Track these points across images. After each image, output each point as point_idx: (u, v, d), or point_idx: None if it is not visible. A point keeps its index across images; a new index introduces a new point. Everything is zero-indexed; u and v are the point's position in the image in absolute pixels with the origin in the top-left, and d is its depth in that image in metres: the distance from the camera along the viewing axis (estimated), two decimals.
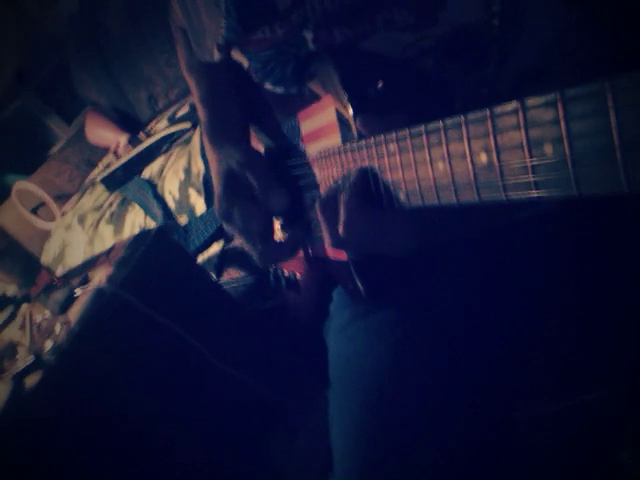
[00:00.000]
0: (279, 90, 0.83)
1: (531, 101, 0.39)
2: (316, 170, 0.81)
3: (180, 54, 1.01)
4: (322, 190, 0.79)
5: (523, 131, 0.40)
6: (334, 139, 0.72)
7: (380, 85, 0.67)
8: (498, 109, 0.42)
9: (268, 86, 0.84)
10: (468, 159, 0.46)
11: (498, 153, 0.43)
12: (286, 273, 1.00)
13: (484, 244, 0.78)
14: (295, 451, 1.62)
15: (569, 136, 0.36)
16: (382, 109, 0.66)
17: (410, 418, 0.72)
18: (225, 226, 0.91)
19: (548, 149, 0.38)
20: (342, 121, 0.70)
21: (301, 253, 0.94)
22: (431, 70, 0.70)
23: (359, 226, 0.64)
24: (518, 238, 0.78)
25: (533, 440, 0.75)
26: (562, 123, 0.36)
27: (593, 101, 0.34)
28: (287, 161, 0.89)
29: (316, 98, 0.76)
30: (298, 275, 0.96)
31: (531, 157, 0.40)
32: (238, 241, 0.95)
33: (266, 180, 0.86)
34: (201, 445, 1.46)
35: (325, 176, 0.77)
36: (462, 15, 0.66)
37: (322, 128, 0.76)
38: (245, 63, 0.85)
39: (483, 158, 0.45)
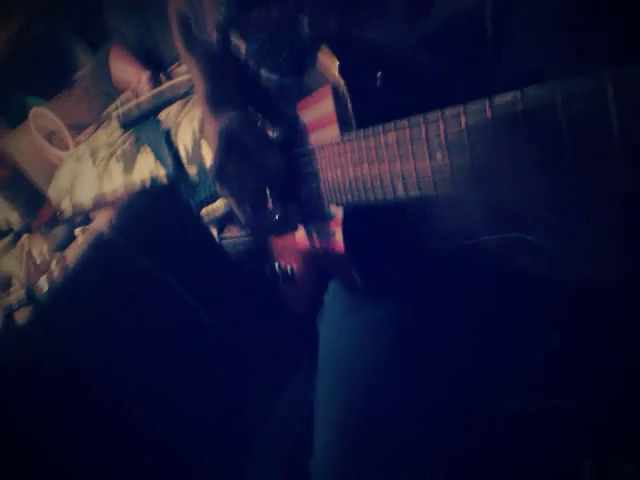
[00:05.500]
0: (274, 78, 0.83)
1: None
2: (314, 161, 0.81)
3: (178, 36, 1.01)
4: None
5: None
6: (332, 130, 0.73)
7: (379, 76, 0.67)
8: (497, 100, 0.43)
9: (264, 74, 0.84)
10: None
11: None
12: (283, 266, 1.00)
13: (483, 244, 0.76)
14: (277, 409, 1.65)
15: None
16: (380, 100, 0.66)
17: (396, 421, 0.72)
18: (218, 187, 0.90)
19: None
20: (340, 112, 0.70)
21: (297, 245, 0.94)
22: (427, 66, 0.69)
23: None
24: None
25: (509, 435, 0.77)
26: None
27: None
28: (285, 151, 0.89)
29: (314, 88, 0.76)
30: (295, 268, 0.97)
31: None
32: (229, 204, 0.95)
33: (265, 140, 0.87)
34: (185, 398, 1.49)
35: (323, 167, 0.77)
36: (454, 8, 0.65)
37: (320, 119, 0.76)
38: (242, 47, 0.85)
39: None
